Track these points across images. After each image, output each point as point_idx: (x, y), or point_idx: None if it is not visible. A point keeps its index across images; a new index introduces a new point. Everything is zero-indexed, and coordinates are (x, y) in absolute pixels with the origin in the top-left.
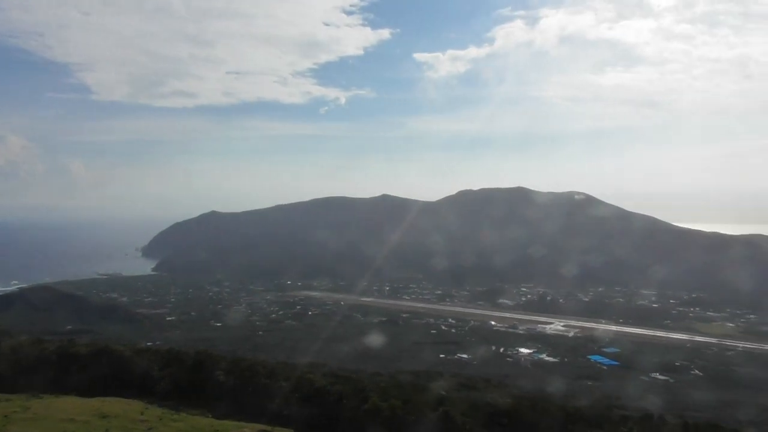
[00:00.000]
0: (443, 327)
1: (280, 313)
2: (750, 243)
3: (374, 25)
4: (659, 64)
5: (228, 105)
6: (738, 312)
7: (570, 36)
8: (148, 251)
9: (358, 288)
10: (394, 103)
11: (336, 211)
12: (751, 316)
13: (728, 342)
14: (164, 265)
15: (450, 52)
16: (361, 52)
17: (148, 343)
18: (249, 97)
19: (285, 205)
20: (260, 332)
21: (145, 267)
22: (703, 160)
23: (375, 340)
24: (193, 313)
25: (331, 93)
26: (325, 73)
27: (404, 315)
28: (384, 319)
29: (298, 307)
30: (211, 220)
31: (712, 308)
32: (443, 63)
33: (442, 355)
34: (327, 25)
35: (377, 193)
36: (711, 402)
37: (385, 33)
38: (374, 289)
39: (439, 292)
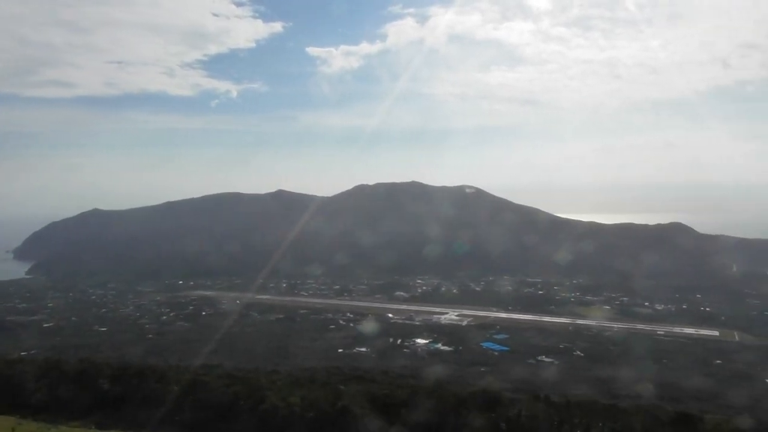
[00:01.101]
0: (341, 322)
1: (172, 314)
2: (622, 231)
3: (266, 18)
4: (539, 64)
5: (110, 96)
6: (613, 295)
7: (458, 35)
8: (20, 253)
9: (254, 286)
10: (287, 97)
11: (230, 208)
12: (624, 298)
13: (605, 324)
14: (40, 268)
15: (343, 47)
16: (253, 44)
17: (23, 353)
18: (133, 88)
19: (175, 201)
20: (150, 335)
21: (18, 270)
22: (580, 155)
23: (272, 337)
24: (74, 319)
25: (222, 86)
26: (216, 65)
27: (302, 311)
28: (281, 316)
29: (190, 307)
30: (93, 218)
31: (590, 293)
32: (336, 58)
33: (340, 350)
34: (216, 15)
35: (272, 189)
36: (591, 379)
37: (277, 26)
38: (271, 287)
39: (337, 287)
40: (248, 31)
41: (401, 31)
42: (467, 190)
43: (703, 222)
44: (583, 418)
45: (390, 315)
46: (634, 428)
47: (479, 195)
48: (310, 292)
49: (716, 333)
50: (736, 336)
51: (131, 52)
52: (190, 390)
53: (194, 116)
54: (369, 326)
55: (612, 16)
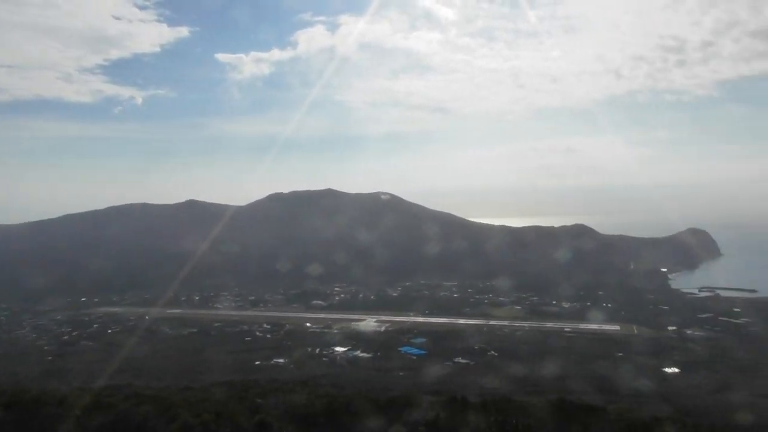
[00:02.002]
0: (258, 333)
1: (74, 334)
2: (530, 233)
3: (171, 22)
4: (447, 72)
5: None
6: (523, 295)
7: (368, 43)
8: None
9: (164, 300)
10: (196, 104)
11: (137, 219)
12: (534, 298)
13: (517, 323)
14: None
15: (253, 53)
16: (158, 49)
17: None
18: (25, 94)
19: (76, 214)
20: (50, 357)
21: None
22: (488, 160)
23: (185, 353)
24: None
25: (125, 92)
26: (118, 70)
27: (216, 324)
28: (194, 330)
29: (95, 325)
30: None
31: (503, 294)
32: (247, 64)
33: (258, 362)
34: (117, 18)
35: (183, 199)
36: (505, 378)
37: (183, 31)
38: (183, 300)
39: (253, 298)
40: (152, 35)
41: (312, 38)
42: (382, 197)
43: (604, 223)
44: (498, 416)
45: (308, 324)
46: (546, 421)
47: (394, 201)
48: (225, 304)
49: (617, 327)
50: (635, 329)
51: (22, 55)
52: (94, 413)
53: (96, 124)
54: (287, 336)
55: (515, 27)
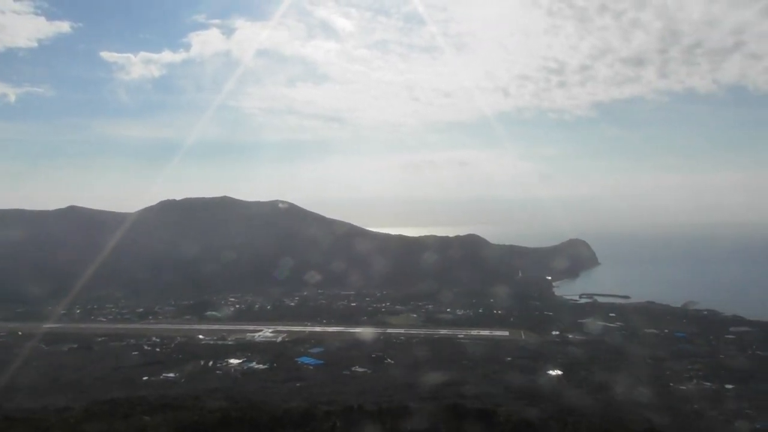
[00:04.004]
0: (146, 347)
1: None
2: (426, 243)
3: (50, 16)
4: (344, 83)
5: None
6: (420, 303)
7: (266, 50)
8: None
9: (42, 314)
10: (79, 104)
11: (11, 227)
12: (430, 306)
13: (413, 331)
14: None
15: (143, 54)
16: (35, 44)
17: None
18: None
19: None
20: None
21: None
22: (384, 171)
23: (64, 370)
24: None
25: None
26: None
27: (100, 338)
28: (75, 345)
29: None
30: None
31: (399, 302)
32: (135, 65)
33: (145, 378)
34: None
35: (63, 205)
36: (400, 385)
37: (64, 26)
38: (63, 314)
39: (141, 310)
40: (29, 28)
41: (206, 41)
42: (280, 205)
43: (495, 233)
44: (394, 424)
45: (201, 336)
46: (440, 427)
47: (292, 210)
48: (110, 317)
49: (506, 333)
50: (522, 335)
51: None
52: None
53: None
54: (178, 349)
55: (409, 42)
